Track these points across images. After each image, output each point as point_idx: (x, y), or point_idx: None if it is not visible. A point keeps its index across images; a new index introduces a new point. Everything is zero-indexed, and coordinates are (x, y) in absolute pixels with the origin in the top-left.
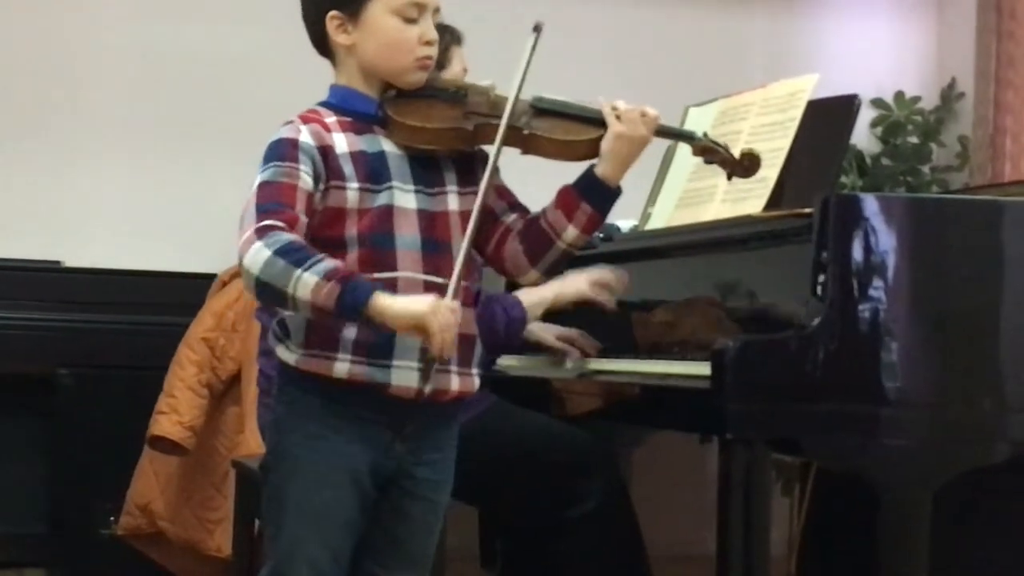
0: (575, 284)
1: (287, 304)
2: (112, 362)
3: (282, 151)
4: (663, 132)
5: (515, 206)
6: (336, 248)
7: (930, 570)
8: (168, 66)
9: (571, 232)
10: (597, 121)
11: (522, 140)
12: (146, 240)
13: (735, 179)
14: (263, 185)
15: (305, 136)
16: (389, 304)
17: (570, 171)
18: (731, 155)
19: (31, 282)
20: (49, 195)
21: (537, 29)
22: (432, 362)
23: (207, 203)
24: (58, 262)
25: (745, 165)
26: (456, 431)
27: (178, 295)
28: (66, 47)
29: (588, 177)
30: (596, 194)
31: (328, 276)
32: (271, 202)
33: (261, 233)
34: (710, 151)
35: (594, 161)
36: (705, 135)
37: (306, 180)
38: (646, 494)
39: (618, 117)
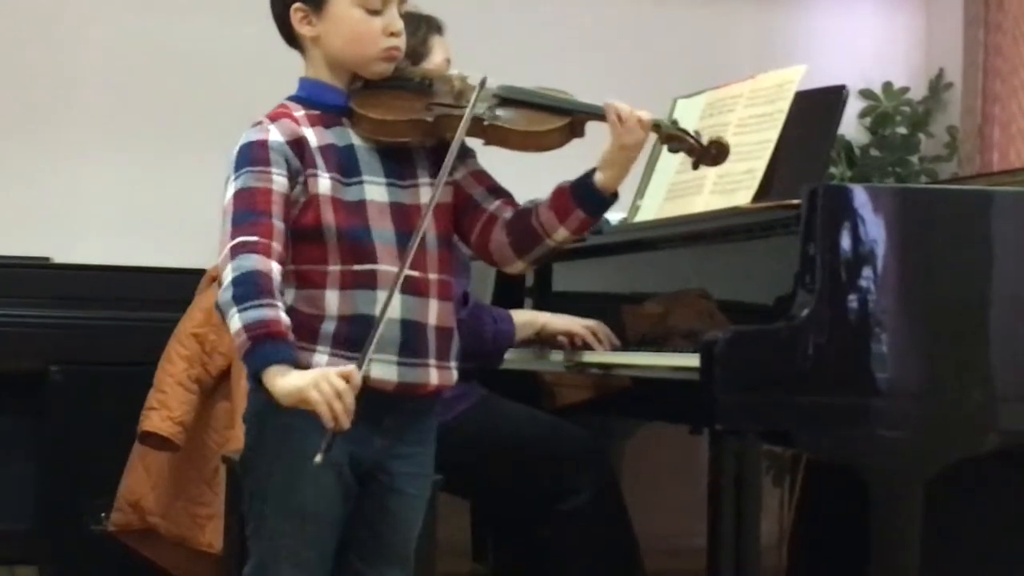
0: (567, 321)
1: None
2: (102, 358)
3: (253, 155)
4: None
5: (495, 190)
6: (314, 240)
7: (921, 561)
8: (157, 63)
9: (562, 233)
10: (563, 110)
11: (483, 131)
12: (135, 236)
13: (723, 170)
14: (238, 194)
15: (275, 135)
16: (277, 383)
17: (560, 158)
18: (699, 142)
19: (20, 279)
20: (38, 191)
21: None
22: (331, 434)
23: (196, 199)
24: (47, 258)
25: (712, 153)
26: (434, 425)
27: (167, 291)
28: (55, 44)
29: (586, 184)
30: (592, 201)
31: (248, 328)
32: (246, 211)
33: (233, 253)
34: (675, 138)
35: (594, 167)
36: (674, 122)
37: (280, 182)
38: (637, 486)
39: (620, 120)
